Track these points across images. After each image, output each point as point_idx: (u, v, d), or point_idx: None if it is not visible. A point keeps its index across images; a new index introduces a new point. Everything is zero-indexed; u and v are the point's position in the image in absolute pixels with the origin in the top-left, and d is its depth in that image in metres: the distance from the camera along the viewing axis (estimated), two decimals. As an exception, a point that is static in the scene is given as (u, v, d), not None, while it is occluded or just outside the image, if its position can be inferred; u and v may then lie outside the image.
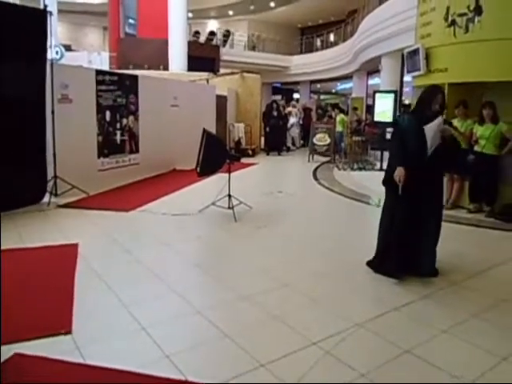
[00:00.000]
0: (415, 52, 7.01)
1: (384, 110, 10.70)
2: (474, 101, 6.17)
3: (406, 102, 14.03)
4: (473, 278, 3.72)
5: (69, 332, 2.68)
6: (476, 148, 5.92)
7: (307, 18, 25.48)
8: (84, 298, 3.17)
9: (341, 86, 26.20)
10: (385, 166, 4.08)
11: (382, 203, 3.84)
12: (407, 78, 10.83)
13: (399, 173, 3.42)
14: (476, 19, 5.93)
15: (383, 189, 3.78)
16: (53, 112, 5.91)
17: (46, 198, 5.78)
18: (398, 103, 11.66)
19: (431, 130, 3.47)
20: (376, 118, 10.94)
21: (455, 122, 5.93)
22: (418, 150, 3.48)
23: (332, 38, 23.84)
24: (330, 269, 3.88)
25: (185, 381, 2.24)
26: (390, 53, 12.96)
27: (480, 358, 2.51)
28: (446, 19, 6.36)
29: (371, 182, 7.49)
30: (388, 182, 3.61)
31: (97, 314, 2.97)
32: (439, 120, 3.52)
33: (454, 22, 6.26)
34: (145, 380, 2.25)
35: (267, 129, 13.15)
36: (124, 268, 3.82)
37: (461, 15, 6.12)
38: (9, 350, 2.43)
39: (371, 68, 16.80)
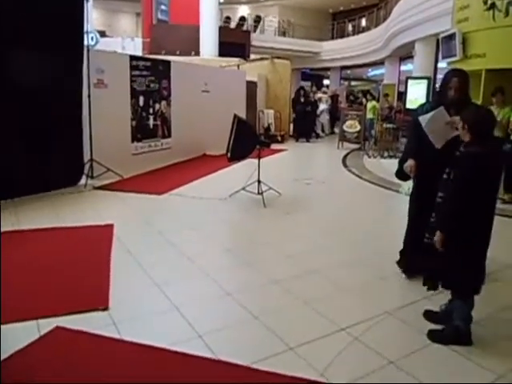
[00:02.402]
0: (451, 37, 6.81)
1: (417, 96, 10.47)
2: (513, 88, 5.97)
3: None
4: (505, 271, 3.65)
5: (106, 308, 2.80)
6: (513, 137, 5.74)
7: (339, 2, 24.91)
8: (118, 276, 3.29)
9: (372, 72, 25.67)
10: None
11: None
12: (442, 63, 10.52)
13: (409, 163, 3.27)
14: (517, 3, 5.73)
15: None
16: (89, 96, 6.04)
17: (82, 180, 6.01)
18: (432, 90, 11.37)
19: (424, 120, 3.13)
20: (408, 105, 10.72)
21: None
22: (428, 143, 3.14)
23: (364, 23, 23.30)
24: (360, 257, 3.89)
25: (217, 360, 2.32)
26: (425, 38, 12.60)
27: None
28: (485, 2, 6.16)
29: (402, 170, 7.37)
30: (400, 173, 3.47)
31: (131, 292, 3.08)
32: (437, 111, 3.07)
33: (493, 6, 6.04)
34: (178, 357, 2.33)
35: (295, 115, 13.04)
36: (156, 249, 3.93)
37: (501, -2, 5.92)
38: (49, 324, 2.57)
39: (404, 54, 16.39)
